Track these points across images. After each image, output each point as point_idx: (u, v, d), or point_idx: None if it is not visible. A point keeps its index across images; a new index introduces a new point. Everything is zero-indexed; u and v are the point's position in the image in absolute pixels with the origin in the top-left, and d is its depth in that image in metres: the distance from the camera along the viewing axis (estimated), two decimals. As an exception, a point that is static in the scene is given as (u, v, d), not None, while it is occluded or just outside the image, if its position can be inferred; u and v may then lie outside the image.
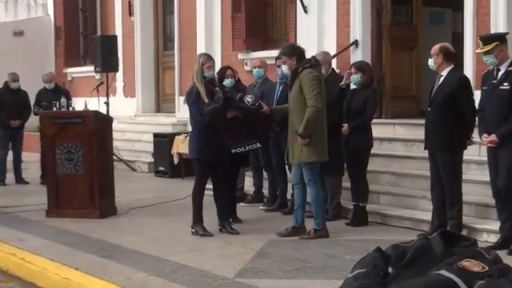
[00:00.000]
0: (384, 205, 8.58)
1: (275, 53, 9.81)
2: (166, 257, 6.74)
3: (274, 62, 9.50)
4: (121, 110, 14.85)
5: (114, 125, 9.96)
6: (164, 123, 14.23)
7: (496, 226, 7.05)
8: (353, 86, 8.27)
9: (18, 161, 12.19)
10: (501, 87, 6.77)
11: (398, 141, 9.55)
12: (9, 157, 12.10)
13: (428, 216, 7.56)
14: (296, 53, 7.60)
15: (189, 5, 14.04)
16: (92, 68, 14.39)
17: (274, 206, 9.20)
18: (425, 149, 7.50)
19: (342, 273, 5.68)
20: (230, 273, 6.13)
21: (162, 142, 12.73)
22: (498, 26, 8.68)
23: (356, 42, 10.63)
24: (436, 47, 7.28)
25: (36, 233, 8.02)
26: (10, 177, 12.06)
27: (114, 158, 10.21)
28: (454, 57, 7.37)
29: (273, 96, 8.96)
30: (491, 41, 6.88)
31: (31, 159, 13.10)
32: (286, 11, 12.45)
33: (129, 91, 16.01)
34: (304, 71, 7.39)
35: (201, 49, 12.95)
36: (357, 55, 10.44)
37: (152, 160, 13.16)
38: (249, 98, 7.87)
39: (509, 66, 6.81)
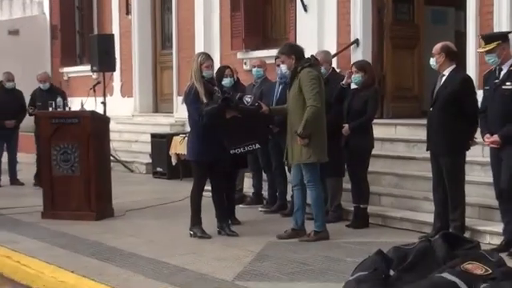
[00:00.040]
0: (385, 206, 8.51)
1: (275, 52, 9.68)
2: (163, 259, 6.68)
3: (273, 61, 9.43)
4: (118, 110, 14.73)
5: (111, 125, 9.91)
6: (162, 123, 14.17)
7: (499, 227, 6.98)
8: (354, 86, 8.19)
9: (13, 162, 12.07)
10: (503, 87, 6.69)
11: (400, 141, 9.48)
12: (3, 158, 11.97)
13: (430, 218, 7.49)
14: (295, 52, 7.51)
15: (187, 3, 13.98)
16: (89, 67, 14.26)
17: (274, 208, 9.13)
18: (427, 150, 7.41)
19: (343, 276, 5.60)
20: (229, 275, 6.08)
21: (160, 142, 12.66)
22: (501, 24, 8.62)
23: (357, 41, 10.57)
24: (438, 46, 7.20)
25: (31, 235, 7.95)
26: (4, 178, 11.95)
27: (112, 158, 10.11)
28: (456, 56, 7.29)
29: (272, 96, 8.88)
30: (493, 40, 6.80)
31: (26, 160, 12.98)
32: (285, 10, 12.38)
33: (126, 91, 15.93)
34: (303, 70, 7.31)
35: (199, 48, 12.88)
36: (357, 54, 10.38)
37: (150, 161, 13.09)
38: (248, 98, 7.78)
39: (511, 66, 6.71)
